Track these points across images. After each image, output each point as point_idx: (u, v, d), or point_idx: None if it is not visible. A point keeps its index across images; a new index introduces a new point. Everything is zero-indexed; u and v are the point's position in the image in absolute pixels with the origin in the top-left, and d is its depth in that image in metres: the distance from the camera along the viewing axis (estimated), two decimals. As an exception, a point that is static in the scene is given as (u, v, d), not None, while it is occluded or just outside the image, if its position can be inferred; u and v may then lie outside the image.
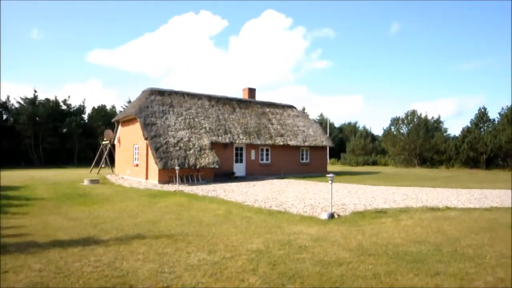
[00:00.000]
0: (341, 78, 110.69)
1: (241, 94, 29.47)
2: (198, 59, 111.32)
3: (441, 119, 51.49)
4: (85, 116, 48.38)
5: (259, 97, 29.70)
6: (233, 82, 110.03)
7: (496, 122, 40.88)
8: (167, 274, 4.71)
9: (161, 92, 22.79)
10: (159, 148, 18.96)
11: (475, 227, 7.77)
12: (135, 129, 21.52)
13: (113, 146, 27.52)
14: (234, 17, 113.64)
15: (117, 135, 26.30)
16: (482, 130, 42.09)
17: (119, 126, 25.83)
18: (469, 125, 43.88)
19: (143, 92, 23.20)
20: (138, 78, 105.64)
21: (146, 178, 20.45)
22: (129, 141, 23.33)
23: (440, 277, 4.58)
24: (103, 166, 28.39)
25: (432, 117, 51.18)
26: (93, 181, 19.13)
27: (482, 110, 43.47)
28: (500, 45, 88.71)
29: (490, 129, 41.04)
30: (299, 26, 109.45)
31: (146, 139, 19.48)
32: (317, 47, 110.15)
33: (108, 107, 50.45)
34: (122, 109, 45.88)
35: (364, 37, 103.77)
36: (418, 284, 4.34)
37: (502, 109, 40.54)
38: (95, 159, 28.97)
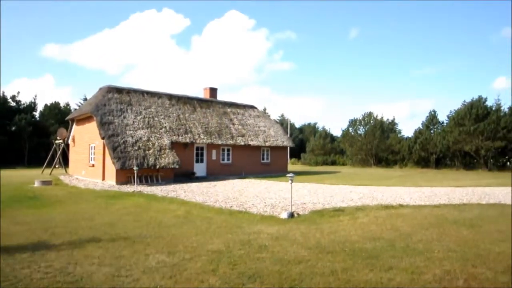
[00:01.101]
0: (302, 80, 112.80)
1: (202, 94, 29.20)
2: (159, 58, 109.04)
3: (396, 121, 53.83)
4: (37, 114, 45.83)
5: (221, 97, 29.66)
6: (195, 82, 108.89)
7: (445, 125, 43.41)
8: (124, 277, 4.58)
9: (119, 90, 22.08)
10: (117, 148, 18.36)
11: (425, 223, 8.20)
12: (91, 128, 20.69)
13: (67, 145, 26.28)
14: (197, 17, 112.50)
15: (71, 134, 25.15)
16: (432, 131, 44.52)
17: (74, 125, 24.72)
18: (421, 127, 46.27)
19: (100, 89, 22.37)
20: (96, 75, 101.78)
21: (103, 179, 19.72)
22: (85, 140, 22.39)
23: (393, 271, 4.79)
24: (56, 166, 27.01)
25: (388, 119, 53.40)
26: (45, 183, 18.15)
27: (432, 113, 46.01)
28: (449, 53, 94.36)
29: (439, 131, 43.49)
30: (262, 28, 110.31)
31: (103, 138, 18.79)
32: (279, 49, 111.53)
33: (62, 104, 48.14)
34: (77, 107, 43.94)
35: (325, 41, 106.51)
36: (372, 279, 4.52)
37: (450, 112, 43.13)
38: (48, 159, 27.50)
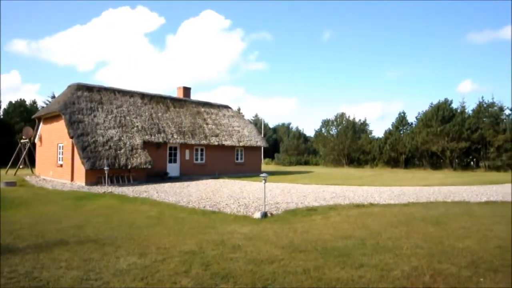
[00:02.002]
0: (276, 80, 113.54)
1: (176, 94, 28.84)
2: (132, 56, 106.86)
3: (367, 121, 55.13)
4: (0, 111, 43.83)
5: (195, 96, 29.46)
6: (169, 81, 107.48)
7: (413, 126, 44.87)
8: (93, 281, 4.45)
9: (89, 88, 21.46)
10: (87, 148, 17.84)
11: (394, 221, 8.44)
12: (59, 126, 20.01)
13: (34, 145, 25.29)
14: (172, 16, 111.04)
15: (38, 133, 24.22)
16: (401, 132, 45.91)
17: (41, 123, 23.82)
18: (391, 128, 47.61)
19: (69, 87, 21.67)
20: (67, 72, 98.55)
21: (72, 179, 19.12)
22: (52, 139, 21.62)
23: (363, 268, 4.90)
24: (21, 166, 25.95)
25: (359, 120, 54.58)
26: (9, 184, 17.38)
27: (402, 114, 47.44)
28: (417, 57, 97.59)
29: (408, 132, 44.91)
30: (238, 28, 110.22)
31: (71, 137, 18.21)
32: (254, 49, 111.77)
33: (28, 102, 46.27)
34: (44, 105, 42.36)
35: (299, 42, 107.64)
36: (344, 276, 4.60)
37: (419, 113, 44.62)
38: (12, 159, 26.34)
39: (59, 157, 20.79)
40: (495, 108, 38.66)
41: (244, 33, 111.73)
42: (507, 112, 38.78)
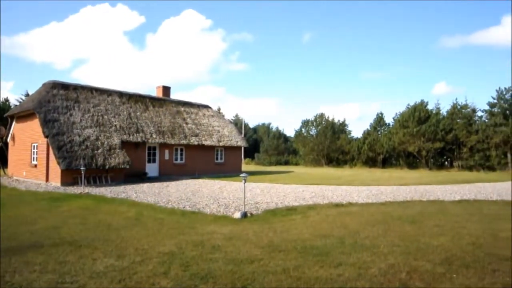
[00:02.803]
0: (257, 81, 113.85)
1: (155, 93, 28.46)
2: (110, 54, 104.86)
3: (346, 122, 55.97)
4: (-30, 110, 42.15)
5: (175, 96, 29.16)
6: (149, 80, 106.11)
7: (391, 126, 45.83)
8: (68, 284, 4.34)
9: (65, 86, 20.91)
10: (62, 147, 17.38)
11: (372, 220, 8.60)
12: (34, 125, 19.42)
13: (6, 144, 24.42)
14: (153, 14, 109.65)
15: (10, 132, 23.41)
16: (379, 133, 46.81)
17: (14, 122, 23.04)
18: (369, 128, 48.48)
19: (44, 85, 21.03)
20: (43, 70, 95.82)
21: (47, 180, 18.59)
22: (26, 139, 20.96)
23: (342, 267, 4.97)
24: (-8, 167, 25.05)
25: (338, 120, 55.33)
26: (-20, 184, 16.77)
27: (380, 115, 48.42)
28: (394, 59, 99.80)
29: (386, 132, 45.84)
30: (219, 29, 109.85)
31: (46, 137, 17.70)
32: (235, 49, 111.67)
33: (0, 100, 44.66)
34: (18, 103, 40.99)
35: (280, 44, 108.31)
36: (323, 275, 4.65)
37: (396, 114, 45.66)
38: (-17, 159, 25.41)
39: (33, 157, 20.18)
40: (468, 109, 40.01)
41: (226, 33, 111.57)
42: (480, 113, 40.24)
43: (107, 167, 18.36)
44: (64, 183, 17.27)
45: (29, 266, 5.03)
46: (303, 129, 54.44)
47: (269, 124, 74.65)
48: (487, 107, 39.41)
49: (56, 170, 17.69)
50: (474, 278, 4.49)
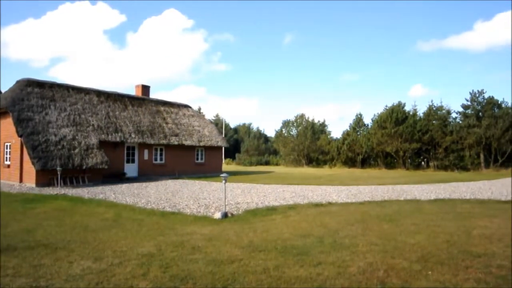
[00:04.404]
0: (238, 81, 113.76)
1: (134, 92, 28.01)
2: (90, 53, 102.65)
3: (326, 122, 56.57)
4: None
5: (155, 95, 28.84)
6: (128, 80, 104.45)
7: (369, 127, 46.61)
8: None
9: (40, 84, 20.32)
10: (37, 147, 16.89)
11: (351, 219, 8.72)
12: (6, 124, 18.78)
13: (-23, 144, 23.55)
14: (134, 13, 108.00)
15: (-18, 132, 22.59)
16: (358, 133, 47.53)
17: (-15, 121, 22.23)
18: (348, 129, 49.15)
19: (18, 82, 20.34)
20: (18, 67, 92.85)
21: (21, 181, 18.02)
22: (-2, 138, 20.26)
23: (321, 266, 5.02)
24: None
25: (318, 121, 55.87)
26: (-51, 186, 16.11)
27: (359, 116, 49.13)
28: (373, 61, 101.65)
29: (365, 132, 46.58)
30: (201, 29, 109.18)
31: (20, 136, 17.16)
32: (217, 50, 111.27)
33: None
34: (-11, 102, 39.55)
35: (261, 45, 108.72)
36: (303, 274, 4.69)
37: (374, 115, 46.44)
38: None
39: (6, 157, 19.52)
40: (443, 111, 41.12)
41: (207, 33, 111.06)
42: (454, 115, 41.45)
43: (84, 167, 17.95)
44: (39, 184, 16.78)
45: (2, 270, 4.86)
46: (283, 130, 54.73)
47: (250, 124, 74.74)
48: (461, 109, 40.64)
49: (30, 170, 17.17)
50: (448, 275, 4.62)
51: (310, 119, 53.56)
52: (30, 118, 17.83)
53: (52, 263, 5.19)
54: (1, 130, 19.86)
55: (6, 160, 19.49)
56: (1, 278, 4.54)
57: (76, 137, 18.81)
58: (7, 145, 19.44)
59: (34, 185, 16.81)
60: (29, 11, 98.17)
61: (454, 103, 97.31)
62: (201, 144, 26.95)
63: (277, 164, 54.46)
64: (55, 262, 5.26)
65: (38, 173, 16.76)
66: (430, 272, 4.71)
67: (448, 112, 41.12)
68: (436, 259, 5.29)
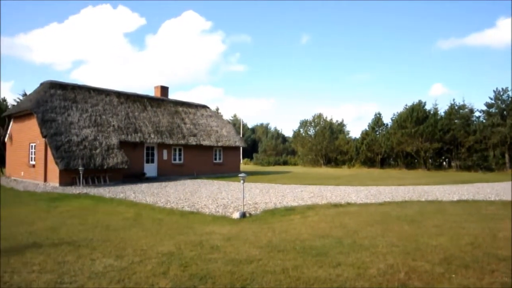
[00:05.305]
0: (255, 81, 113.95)
1: (153, 93, 28.41)
2: (110, 55, 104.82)
3: (344, 122, 56.00)
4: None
5: (174, 96, 29.18)
6: (148, 81, 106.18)
7: (389, 127, 45.85)
8: (67, 284, 4.33)
9: (63, 86, 20.86)
10: (60, 147, 17.34)
11: (370, 220, 8.60)
12: (31, 125, 19.36)
13: (4, 144, 24.35)
14: (153, 15, 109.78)
15: (8, 132, 23.34)
16: (377, 133, 46.82)
17: (11, 122, 22.96)
18: (367, 128, 48.48)
19: (42, 84, 20.98)
20: (42, 70, 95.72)
21: (45, 180, 18.54)
22: (24, 139, 20.89)
23: (341, 267, 4.97)
24: (-10, 167, 24.97)
25: (336, 121, 55.35)
26: (-23, 185, 16.72)
27: (378, 115, 48.37)
28: (392, 60, 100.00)
29: (384, 132, 45.85)
30: (219, 30, 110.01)
31: (44, 137, 17.66)
32: (234, 51, 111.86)
33: (-2, 100, 44.50)
34: (15, 103, 40.85)
35: (278, 45, 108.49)
36: (322, 275, 4.65)
37: (394, 115, 45.64)
38: (-20, 159, 25.32)
39: (31, 157, 20.12)
40: (466, 110, 40.06)
41: (225, 35, 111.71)
42: (477, 114, 40.32)
43: (105, 167, 18.32)
44: (62, 183, 17.23)
45: (28, 267, 5.02)
46: (301, 130, 54.43)
47: (267, 124, 74.70)
48: (484, 108, 39.51)
49: (54, 170, 17.65)
50: (473, 278, 4.50)
51: (328, 119, 53.16)
52: (53, 119, 18.32)
53: (75, 260, 5.32)
54: (26, 131, 20.49)
55: (31, 160, 20.08)
56: (27, 274, 4.68)
57: (97, 137, 19.21)
58: (32, 146, 20.03)
59: (57, 184, 17.27)
60: (53, 16, 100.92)
61: (477, 102, 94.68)
62: (219, 144, 27.09)
63: (295, 164, 54.24)
64: (78, 259, 5.39)
65: (61, 172, 17.20)
66: (453, 275, 4.60)
67: (471, 111, 40.04)
68: (460, 262, 5.15)
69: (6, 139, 23.69)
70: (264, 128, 72.26)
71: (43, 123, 17.82)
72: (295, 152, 58.33)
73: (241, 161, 42.23)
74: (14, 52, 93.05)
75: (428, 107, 42.69)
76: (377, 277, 4.57)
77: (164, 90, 28.29)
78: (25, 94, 41.36)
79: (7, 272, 4.76)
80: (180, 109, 27.22)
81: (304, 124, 54.00)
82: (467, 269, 4.85)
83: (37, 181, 18.86)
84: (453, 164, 40.14)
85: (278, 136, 63.55)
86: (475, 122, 39.61)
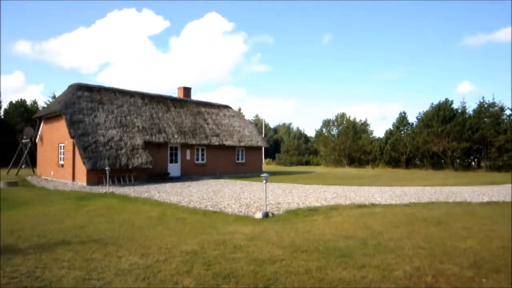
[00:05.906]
0: (277, 82, 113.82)
1: (176, 94, 28.84)
2: (135, 58, 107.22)
3: (368, 122, 55.12)
4: (1, 112, 43.85)
5: (196, 97, 29.57)
6: (171, 82, 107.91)
7: (414, 126, 44.74)
8: (95, 281, 4.46)
9: (89, 88, 21.47)
10: (88, 148, 17.85)
11: (396, 222, 8.42)
12: (60, 126, 20.02)
13: (35, 145, 25.31)
14: (176, 18, 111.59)
15: (39, 133, 24.24)
16: (402, 132, 45.79)
17: (42, 123, 23.83)
18: (392, 128, 47.51)
19: (70, 87, 21.67)
20: (70, 74, 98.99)
21: (73, 179, 19.13)
22: (53, 139, 21.64)
23: (365, 269, 4.89)
24: (23, 166, 26.01)
25: (360, 120, 54.54)
26: (11, 184, 17.42)
27: (402, 114, 47.31)
28: (417, 58, 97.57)
29: (409, 132, 44.79)
30: (241, 31, 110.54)
31: (72, 137, 18.22)
32: (256, 51, 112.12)
33: (29, 102, 46.29)
34: (45, 105, 42.37)
35: (300, 45, 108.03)
36: (346, 277, 4.59)
37: (419, 114, 44.48)
38: (13, 159, 26.40)
39: (60, 157, 20.80)
40: (496, 108, 38.57)
41: (247, 35, 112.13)
42: (508, 112, 38.75)
43: (130, 167, 18.73)
44: (89, 182, 17.74)
45: (58, 263, 5.19)
46: (323, 129, 53.93)
47: (290, 124, 74.42)
48: (516, 106, 37.91)
49: (82, 169, 18.18)
50: (505, 283, 4.33)
51: (351, 119, 52.44)
52: (81, 121, 18.89)
53: (102, 258, 5.46)
54: (56, 132, 21.21)
55: (60, 160, 20.76)
56: (58, 270, 4.84)
57: (123, 138, 19.66)
58: (61, 146, 20.71)
59: (85, 184, 17.79)
60: (80, 20, 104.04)
61: (507, 99, 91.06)
62: (242, 144, 27.20)
63: (317, 164, 53.80)
64: (105, 256, 5.53)
65: (88, 172, 17.71)
66: (484, 280, 4.44)
67: (502, 109, 38.49)
68: (491, 266, 4.97)
69: (37, 140, 24.60)
70: (286, 128, 72.03)
71: (71, 124, 18.40)
72: (317, 152, 57.86)
73: (263, 161, 42.26)
74: (44, 57, 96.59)
75: (455, 105, 41.41)
76: (403, 280, 4.47)
77: (187, 91, 28.67)
78: (54, 97, 42.90)
79: (39, 268, 4.94)
80: (203, 109, 27.50)
81: (327, 123, 53.50)
82: (498, 273, 4.68)
83: (66, 180, 19.48)
84: (482, 164, 38.76)
85: (301, 136, 63.21)
86: (505, 120, 38.07)
